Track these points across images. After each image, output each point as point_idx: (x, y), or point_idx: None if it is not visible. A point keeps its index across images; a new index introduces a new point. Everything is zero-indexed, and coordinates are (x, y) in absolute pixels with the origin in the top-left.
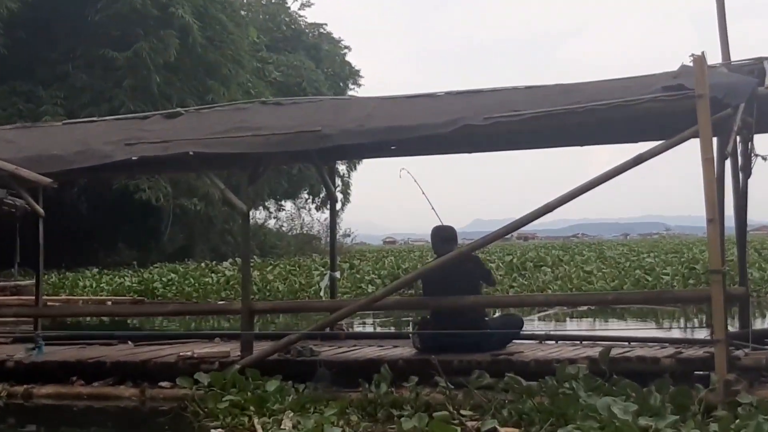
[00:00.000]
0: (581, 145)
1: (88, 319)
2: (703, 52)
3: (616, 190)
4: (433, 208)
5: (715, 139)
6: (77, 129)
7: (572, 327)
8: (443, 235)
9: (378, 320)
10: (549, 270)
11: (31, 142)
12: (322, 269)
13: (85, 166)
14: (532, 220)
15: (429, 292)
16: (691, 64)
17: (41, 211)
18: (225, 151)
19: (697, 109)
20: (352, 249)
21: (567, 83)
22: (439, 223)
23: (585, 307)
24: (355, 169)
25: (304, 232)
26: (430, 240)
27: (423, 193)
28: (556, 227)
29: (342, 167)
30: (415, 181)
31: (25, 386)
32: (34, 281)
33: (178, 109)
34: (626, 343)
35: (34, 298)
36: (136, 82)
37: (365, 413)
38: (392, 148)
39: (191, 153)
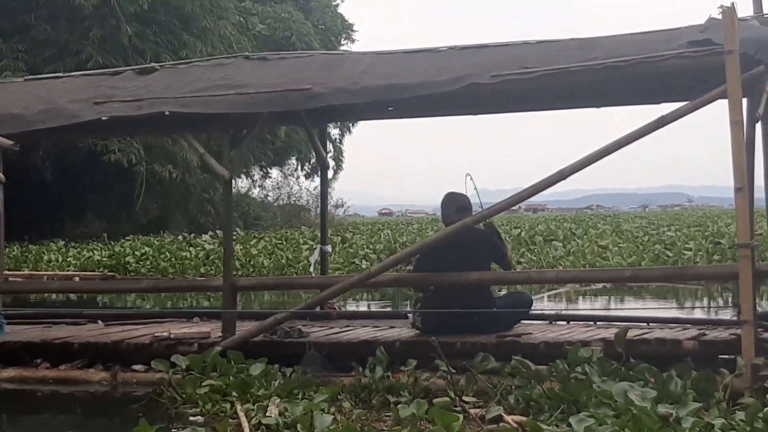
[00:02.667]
0: (598, 106)
1: (53, 296)
2: (733, 4)
3: (635, 157)
4: (481, 206)
5: (744, 100)
6: (41, 86)
7: (585, 307)
8: (458, 204)
9: (373, 299)
10: (560, 245)
11: None
12: (312, 243)
13: (50, 127)
14: (542, 190)
15: (425, 269)
16: (719, 17)
17: (2, 176)
18: (204, 111)
19: (725, 67)
20: (344, 221)
21: (583, 38)
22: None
23: (599, 285)
24: (350, 132)
25: (292, 202)
26: (440, 209)
27: (479, 200)
28: (569, 198)
29: (334, 131)
30: (476, 188)
31: None
32: None
33: (153, 64)
34: (644, 324)
35: None
36: (104, 33)
37: (359, 399)
38: (389, 108)
39: (167, 113)
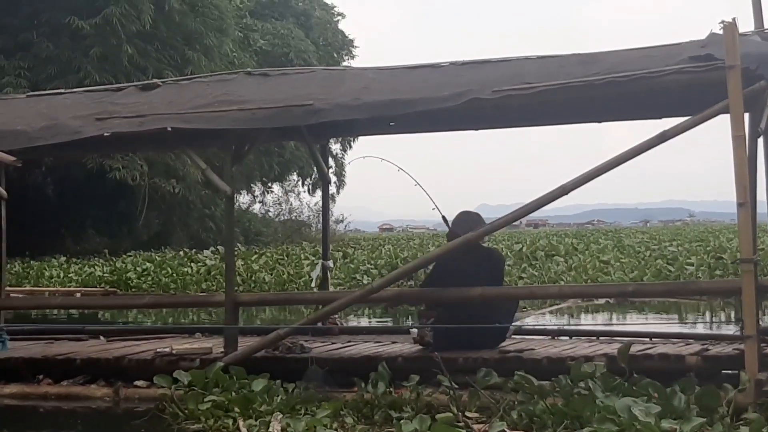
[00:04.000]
0: (599, 121)
1: (55, 312)
2: (734, 19)
3: (636, 172)
4: (428, 195)
5: (746, 115)
6: (43, 102)
7: (588, 322)
8: (471, 224)
9: (374, 314)
10: (562, 260)
11: None
12: (313, 258)
13: (52, 143)
14: (543, 205)
15: (443, 283)
16: (720, 32)
17: (4, 192)
18: (206, 127)
19: (727, 82)
20: (345, 236)
21: (584, 53)
22: (439, 210)
23: (602, 300)
24: (351, 148)
25: (293, 217)
26: (451, 227)
27: (417, 183)
28: (570, 213)
29: (335, 146)
30: (402, 169)
31: None
32: None
33: (155, 80)
34: (647, 340)
35: None
36: (104, 51)
37: (361, 415)
38: (391, 124)
39: (169, 129)
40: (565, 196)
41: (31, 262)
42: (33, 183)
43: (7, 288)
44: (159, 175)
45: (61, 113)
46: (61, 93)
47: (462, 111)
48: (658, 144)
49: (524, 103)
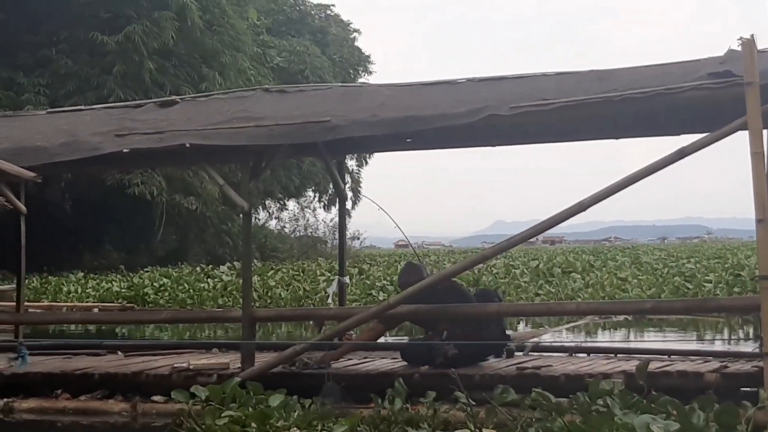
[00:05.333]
0: (617, 137)
1: (72, 327)
2: (752, 36)
3: (653, 189)
4: (396, 225)
5: (766, 132)
6: (63, 118)
7: (605, 339)
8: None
9: (390, 331)
10: (579, 276)
11: (12, 132)
12: (329, 274)
13: (71, 159)
14: (560, 222)
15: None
16: (739, 49)
17: (23, 208)
18: (225, 144)
19: (746, 98)
20: (360, 253)
21: (601, 69)
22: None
23: (620, 318)
24: (366, 164)
25: (309, 234)
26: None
27: (385, 212)
28: (587, 230)
29: (351, 162)
30: (373, 201)
31: (5, 400)
32: (11, 286)
33: (173, 97)
34: (666, 357)
35: (11, 304)
36: (126, 69)
37: (378, 431)
38: (407, 140)
39: (188, 145)
40: (582, 213)
41: (49, 277)
42: (51, 199)
43: (26, 303)
44: (177, 192)
45: (81, 129)
46: (80, 110)
47: (479, 127)
48: (677, 161)
49: (541, 119)
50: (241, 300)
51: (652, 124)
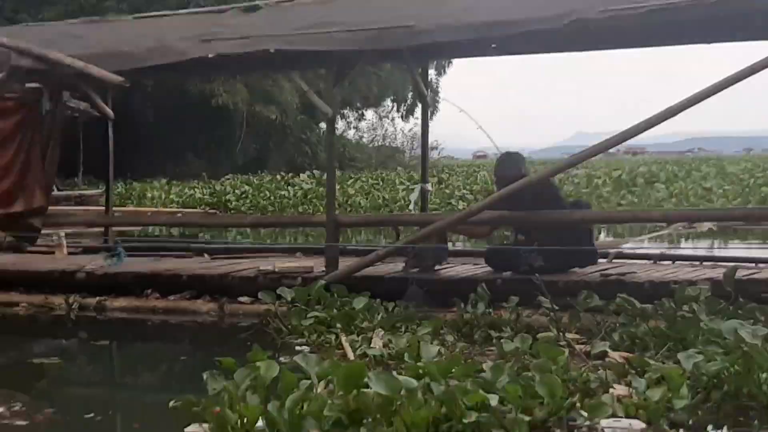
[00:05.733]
0: (708, 42)
1: (157, 231)
2: None
3: (738, 99)
4: (480, 127)
5: None
6: (149, 24)
7: (689, 247)
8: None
9: (466, 239)
10: (662, 186)
11: (98, 38)
12: (408, 183)
13: (159, 64)
14: (642, 132)
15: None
16: None
17: (111, 113)
18: (310, 48)
19: None
20: (438, 163)
21: None
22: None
23: (704, 228)
24: (445, 72)
25: (387, 143)
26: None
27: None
28: (668, 141)
29: (430, 72)
30: (456, 105)
31: (98, 298)
32: (99, 191)
33: (257, 2)
34: (753, 265)
35: (98, 208)
36: None
37: (461, 334)
38: (492, 46)
39: (272, 50)
40: (664, 124)
41: (134, 183)
42: (135, 107)
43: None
44: (257, 101)
45: (167, 35)
46: (165, 15)
47: (566, 32)
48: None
49: (631, 23)
50: (321, 207)
51: (746, 27)
